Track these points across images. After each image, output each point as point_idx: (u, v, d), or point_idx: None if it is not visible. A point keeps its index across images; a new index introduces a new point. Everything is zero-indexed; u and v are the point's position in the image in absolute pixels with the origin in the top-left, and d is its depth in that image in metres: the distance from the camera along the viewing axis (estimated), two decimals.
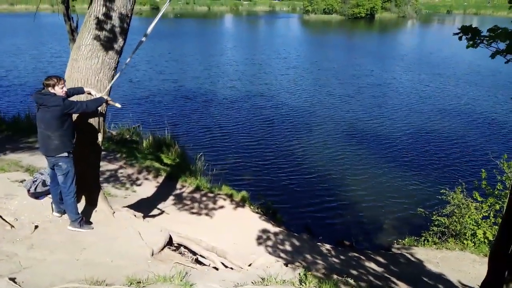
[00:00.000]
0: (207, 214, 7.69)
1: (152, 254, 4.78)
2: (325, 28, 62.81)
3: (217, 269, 5.27)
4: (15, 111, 13.72)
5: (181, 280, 3.87)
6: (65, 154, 4.52)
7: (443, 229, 8.16)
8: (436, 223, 8.23)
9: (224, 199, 8.41)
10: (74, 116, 4.76)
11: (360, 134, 15.00)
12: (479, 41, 3.73)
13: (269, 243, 6.98)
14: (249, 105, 18.22)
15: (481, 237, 7.65)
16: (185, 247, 5.86)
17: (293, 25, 67.80)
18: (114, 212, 5.51)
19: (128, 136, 12.07)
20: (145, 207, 7.13)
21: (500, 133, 15.55)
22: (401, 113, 17.77)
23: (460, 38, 3.80)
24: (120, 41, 4.85)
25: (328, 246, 7.47)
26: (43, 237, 4.60)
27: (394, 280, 6.32)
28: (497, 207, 7.80)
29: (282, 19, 77.09)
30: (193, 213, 7.67)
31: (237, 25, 65.57)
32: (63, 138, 4.45)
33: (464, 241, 7.79)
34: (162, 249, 5.09)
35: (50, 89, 4.35)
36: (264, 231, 7.37)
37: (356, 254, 7.30)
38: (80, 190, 4.87)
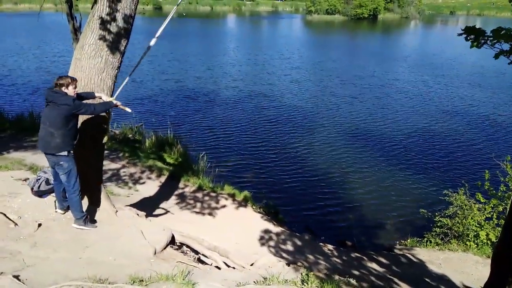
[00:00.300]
0: (209, 214, 7.72)
1: (155, 253, 4.79)
2: (328, 29, 62.78)
3: (219, 268, 5.28)
4: (19, 110, 13.78)
5: (183, 279, 3.88)
6: (65, 153, 4.53)
7: (446, 230, 8.12)
8: (438, 224, 8.20)
9: (226, 199, 8.42)
10: (80, 118, 4.78)
11: (363, 135, 14.99)
12: (483, 41, 3.73)
13: (271, 243, 6.99)
14: (251, 105, 18.22)
15: (484, 239, 7.62)
16: (188, 246, 5.87)
17: (296, 26, 67.81)
18: (117, 211, 5.53)
19: (130, 135, 12.10)
20: (147, 206, 7.15)
21: (503, 134, 15.49)
22: (404, 114, 17.73)
23: (466, 39, 3.81)
24: (123, 40, 4.86)
25: (330, 247, 7.47)
26: (46, 235, 4.62)
27: (396, 281, 6.30)
28: (500, 208, 7.77)
29: (284, 20, 77.09)
30: (195, 212, 7.69)
31: (239, 25, 65.61)
32: (65, 138, 4.47)
33: (467, 243, 7.76)
34: (165, 248, 5.09)
35: (63, 89, 4.38)
36: (266, 231, 7.38)
37: (358, 255, 7.28)
38: (83, 190, 4.89)
